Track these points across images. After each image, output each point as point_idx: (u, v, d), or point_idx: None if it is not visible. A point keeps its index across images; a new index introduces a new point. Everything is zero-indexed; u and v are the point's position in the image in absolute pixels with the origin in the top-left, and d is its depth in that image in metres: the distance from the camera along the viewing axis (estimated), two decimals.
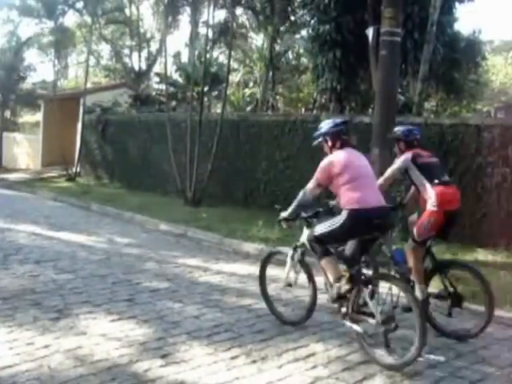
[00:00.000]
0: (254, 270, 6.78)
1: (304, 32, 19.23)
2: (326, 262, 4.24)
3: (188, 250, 7.79)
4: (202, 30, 23.37)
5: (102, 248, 7.74)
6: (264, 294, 5.00)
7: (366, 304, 4.01)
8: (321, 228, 4.23)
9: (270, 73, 20.19)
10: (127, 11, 26.19)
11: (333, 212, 4.40)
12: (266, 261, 5.01)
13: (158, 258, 7.23)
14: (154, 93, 22.11)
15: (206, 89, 15.91)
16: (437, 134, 8.91)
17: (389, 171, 4.86)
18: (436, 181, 4.56)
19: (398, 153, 4.93)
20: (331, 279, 4.24)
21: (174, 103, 18.36)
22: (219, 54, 24.36)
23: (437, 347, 4.36)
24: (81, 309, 4.88)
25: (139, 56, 26.50)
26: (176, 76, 21.74)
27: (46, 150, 21.39)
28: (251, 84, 23.90)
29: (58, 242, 7.93)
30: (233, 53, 19.96)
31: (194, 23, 21.98)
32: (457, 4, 14.57)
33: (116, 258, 7.04)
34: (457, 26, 15.93)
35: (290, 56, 24.01)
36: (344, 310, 4.15)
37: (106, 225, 9.89)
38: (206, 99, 18.11)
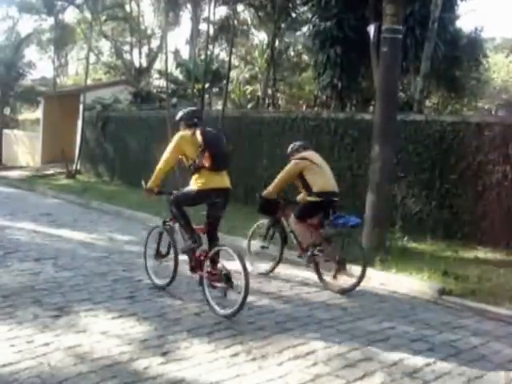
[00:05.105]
0: (255, 267, 6.78)
1: (305, 29, 19.19)
2: None
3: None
4: (203, 27, 23.33)
5: (103, 245, 7.73)
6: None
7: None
8: None
9: (271, 70, 20.15)
10: (127, 7, 26.12)
11: None
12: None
13: None
14: (154, 90, 22.10)
15: (206, 86, 15.92)
16: (438, 132, 8.90)
17: None
18: None
19: None
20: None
21: (174, 100, 18.32)
22: (220, 51, 24.35)
23: (436, 345, 4.37)
24: (81, 306, 4.87)
25: (140, 53, 26.48)
26: (177, 73, 21.73)
27: (45, 147, 21.37)
28: (252, 81, 23.87)
29: (58, 239, 7.92)
30: (234, 50, 19.94)
31: (195, 20, 21.94)
32: (458, 1, 14.55)
33: (116, 256, 7.03)
34: (458, 24, 16.00)
35: (291, 53, 23.99)
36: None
37: (107, 222, 9.88)
38: (206, 96, 18.09)
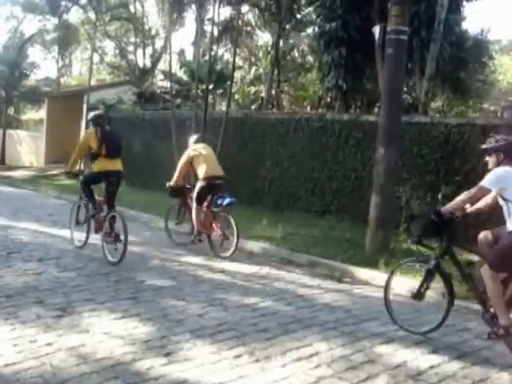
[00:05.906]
0: (258, 268, 6.77)
1: (310, 30, 19.18)
2: None
3: (192, 249, 7.77)
4: (208, 28, 23.34)
5: None
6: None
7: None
8: None
9: (276, 71, 20.12)
10: (132, 8, 26.16)
11: None
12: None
13: (162, 256, 7.22)
14: (158, 90, 22.10)
15: (210, 86, 15.90)
16: (443, 134, 8.86)
17: None
18: None
19: None
20: None
21: (178, 101, 18.34)
22: (224, 52, 24.35)
23: (440, 347, 4.34)
24: (84, 306, 4.87)
25: (144, 53, 26.49)
26: (181, 73, 21.75)
27: (49, 147, 21.43)
28: (256, 82, 23.84)
29: (61, 239, 7.91)
30: (238, 50, 19.93)
31: (200, 20, 21.92)
32: (464, 2, 14.46)
33: None
34: (464, 25, 15.85)
35: (296, 54, 23.95)
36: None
37: None
38: (210, 97, 18.08)
